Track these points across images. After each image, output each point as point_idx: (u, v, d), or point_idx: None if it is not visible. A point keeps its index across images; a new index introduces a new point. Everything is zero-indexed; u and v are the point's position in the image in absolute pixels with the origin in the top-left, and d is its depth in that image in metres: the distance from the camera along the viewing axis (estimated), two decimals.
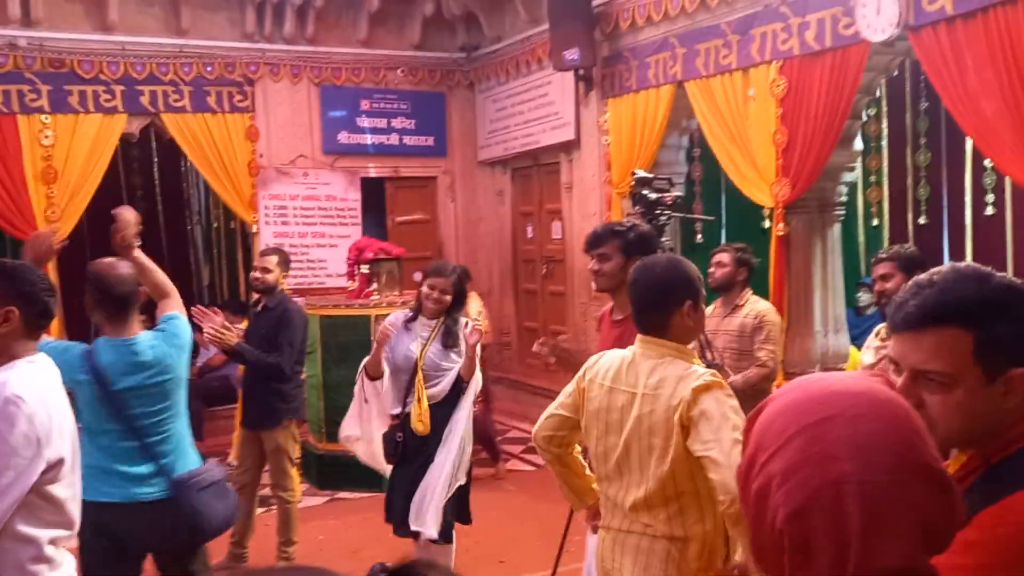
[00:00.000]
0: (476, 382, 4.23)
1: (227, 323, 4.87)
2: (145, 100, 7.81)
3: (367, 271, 6.85)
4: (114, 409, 3.04)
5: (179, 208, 10.39)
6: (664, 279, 2.47)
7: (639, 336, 2.53)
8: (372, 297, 6.69)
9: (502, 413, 8.61)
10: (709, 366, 4.39)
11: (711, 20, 6.14)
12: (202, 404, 7.40)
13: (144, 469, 3.08)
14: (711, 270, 4.60)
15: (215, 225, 10.22)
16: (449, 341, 4.18)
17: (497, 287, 9.52)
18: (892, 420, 0.94)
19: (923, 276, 1.33)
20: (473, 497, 4.33)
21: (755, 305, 4.51)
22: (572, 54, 7.01)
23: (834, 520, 0.88)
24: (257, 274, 5.07)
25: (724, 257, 4.54)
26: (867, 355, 3.65)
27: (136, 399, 3.06)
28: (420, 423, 4.05)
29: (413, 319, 4.23)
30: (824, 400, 0.96)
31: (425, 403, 4.07)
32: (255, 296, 5.31)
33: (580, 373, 2.62)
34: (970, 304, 1.25)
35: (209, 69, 8.06)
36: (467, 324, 4.19)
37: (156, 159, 9.98)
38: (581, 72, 7.35)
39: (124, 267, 3.22)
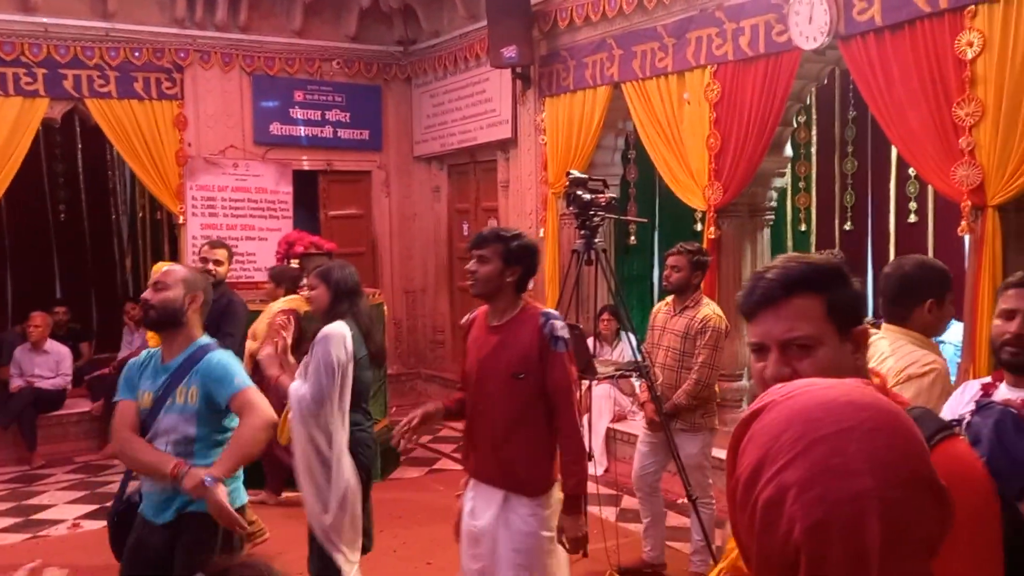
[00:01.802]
0: (297, 389, 3.75)
1: None
2: (68, 84, 7.53)
3: (297, 265, 6.72)
4: None
5: (103, 197, 10.08)
6: (912, 276, 2.72)
7: (884, 324, 2.74)
8: (302, 292, 6.55)
9: None
10: (637, 368, 4.47)
11: (648, 22, 6.18)
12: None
13: None
14: (666, 273, 4.62)
15: (140, 215, 9.94)
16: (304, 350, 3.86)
17: (432, 284, 9.45)
18: (905, 434, 0.95)
19: (759, 269, 1.52)
20: (400, 498, 4.29)
21: (703, 309, 4.53)
22: (510, 51, 6.98)
23: (854, 535, 0.87)
24: (211, 266, 4.97)
25: (679, 261, 4.55)
26: None
27: None
28: (282, 436, 3.89)
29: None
30: (838, 410, 0.94)
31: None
32: None
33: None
34: (812, 273, 1.45)
35: (137, 54, 7.81)
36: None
37: (80, 145, 9.66)
38: (519, 70, 7.34)
39: None
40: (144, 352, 3.14)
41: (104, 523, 3.38)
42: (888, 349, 2.67)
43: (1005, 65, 4.14)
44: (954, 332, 6.44)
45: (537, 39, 7.18)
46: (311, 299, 3.88)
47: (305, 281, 4.04)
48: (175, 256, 8.73)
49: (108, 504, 4.11)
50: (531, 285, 3.31)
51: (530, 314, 3.14)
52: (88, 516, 5.92)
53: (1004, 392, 2.33)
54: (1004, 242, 4.24)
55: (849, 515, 0.87)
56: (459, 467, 7.02)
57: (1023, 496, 2.08)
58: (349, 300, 3.81)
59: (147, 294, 2.95)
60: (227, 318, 4.86)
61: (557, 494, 3.19)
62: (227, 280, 7.16)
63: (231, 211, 8.32)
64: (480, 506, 3.21)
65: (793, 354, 1.42)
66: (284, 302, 5.59)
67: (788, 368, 1.41)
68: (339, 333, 3.68)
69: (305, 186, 8.84)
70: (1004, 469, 1.90)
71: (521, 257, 3.14)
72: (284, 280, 5.95)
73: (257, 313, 5.69)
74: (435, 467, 6.91)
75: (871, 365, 2.52)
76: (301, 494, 3.80)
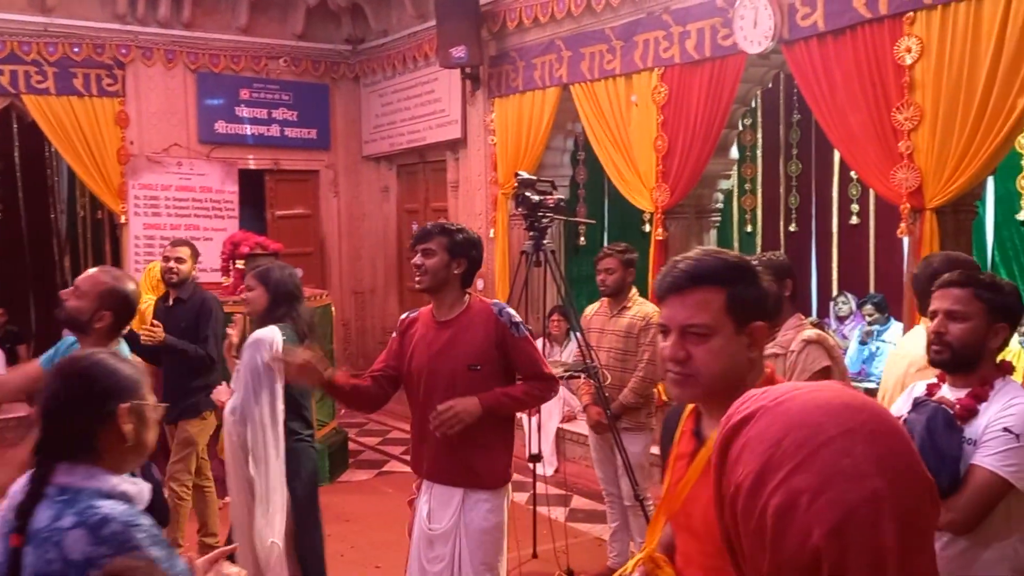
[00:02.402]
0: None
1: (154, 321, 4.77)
2: (4, 80, 7.32)
3: (243, 266, 6.61)
4: None
5: (42, 195, 9.79)
6: (941, 271, 2.73)
7: (923, 319, 2.79)
8: (246, 293, 6.46)
9: (384, 412, 8.47)
10: (586, 369, 4.48)
11: (596, 25, 6.21)
12: None
13: None
14: (600, 277, 4.62)
15: (81, 214, 9.69)
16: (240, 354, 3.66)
17: (381, 285, 9.38)
18: (900, 433, 0.96)
19: (677, 257, 1.64)
20: (348, 500, 4.23)
21: (642, 307, 4.56)
22: (459, 52, 6.96)
23: (871, 538, 0.88)
24: (171, 265, 4.88)
25: (612, 263, 4.56)
26: None
27: None
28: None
29: None
30: (836, 413, 0.93)
31: None
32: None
33: None
34: (720, 269, 1.59)
35: (76, 50, 7.62)
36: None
37: (16, 143, 9.38)
38: (468, 70, 7.32)
39: None
40: (63, 342, 3.05)
41: None
42: None
43: (942, 71, 4.25)
44: (894, 332, 6.59)
45: (486, 40, 7.17)
46: (248, 300, 3.75)
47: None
48: (117, 257, 8.54)
49: None
50: (480, 285, 3.31)
51: (481, 306, 3.16)
52: None
53: (946, 392, 2.38)
54: (941, 243, 4.34)
55: (866, 517, 0.88)
56: (408, 469, 6.98)
57: (952, 491, 2.13)
58: (288, 304, 3.69)
59: (65, 293, 2.86)
60: (204, 319, 4.79)
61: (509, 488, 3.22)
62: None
63: (175, 211, 8.16)
64: (437, 508, 3.18)
65: (690, 339, 1.57)
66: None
67: (683, 351, 1.57)
68: (268, 338, 3.53)
69: (251, 185, 8.71)
70: (933, 465, 1.95)
71: (466, 250, 3.15)
72: None
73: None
74: (384, 469, 6.86)
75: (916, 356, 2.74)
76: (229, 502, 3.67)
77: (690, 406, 1.70)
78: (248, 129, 8.59)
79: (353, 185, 9.34)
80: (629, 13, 5.96)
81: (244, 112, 8.55)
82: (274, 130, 8.74)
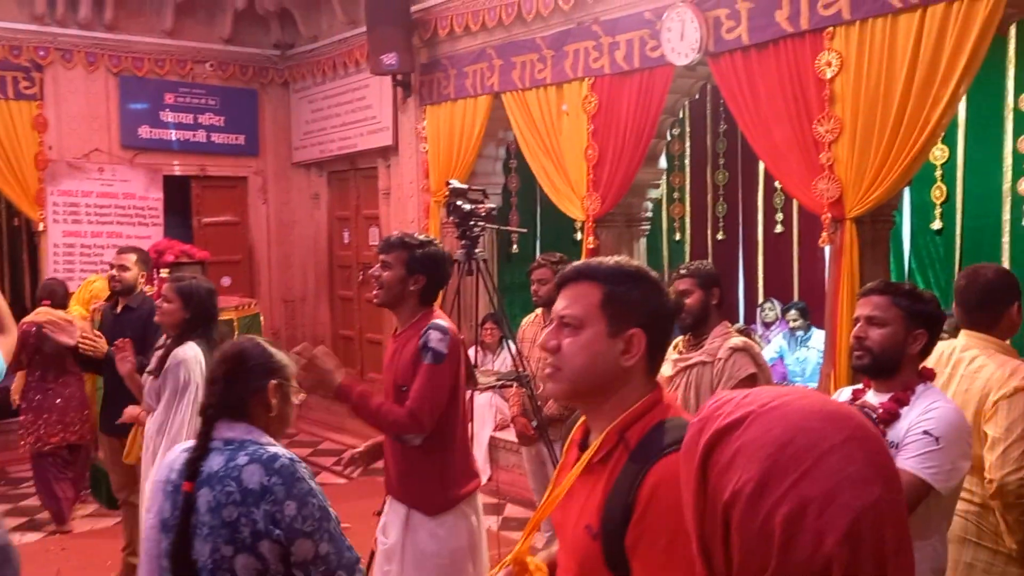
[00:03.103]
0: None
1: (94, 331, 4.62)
2: None
3: (167, 275, 6.45)
4: None
5: None
6: (996, 282, 2.89)
7: (964, 331, 2.89)
8: (163, 304, 6.30)
9: (316, 424, 8.36)
10: (518, 378, 4.48)
11: (527, 34, 6.24)
12: None
13: None
14: (534, 287, 4.64)
15: None
16: (156, 370, 3.67)
17: (312, 293, 9.25)
18: (882, 442, 0.98)
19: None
20: None
21: None
22: (390, 59, 6.92)
23: (876, 542, 0.90)
24: (114, 272, 4.76)
25: (545, 273, 4.58)
26: (666, 367, 3.79)
27: None
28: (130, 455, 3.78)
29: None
30: (832, 420, 0.94)
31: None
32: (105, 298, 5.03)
33: None
34: (603, 268, 1.60)
35: None
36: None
37: None
38: (399, 77, 7.28)
39: None
40: None
41: None
42: (981, 358, 2.81)
43: (861, 84, 4.38)
44: (817, 339, 6.77)
45: (417, 47, 7.14)
46: (164, 312, 3.69)
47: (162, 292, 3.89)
48: (34, 266, 8.25)
49: None
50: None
51: (423, 323, 3.05)
52: None
53: (870, 397, 2.46)
54: (861, 252, 4.48)
55: (872, 522, 0.89)
56: (340, 481, 6.89)
57: None
58: (206, 322, 3.67)
59: None
60: (151, 328, 4.55)
61: (463, 510, 3.10)
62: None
63: (96, 218, 7.91)
64: (390, 521, 3.16)
65: (564, 332, 1.58)
66: (34, 314, 5.64)
67: (555, 341, 1.58)
68: (193, 356, 3.55)
69: (177, 192, 8.50)
70: None
71: (426, 266, 3.05)
72: (53, 294, 5.85)
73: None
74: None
75: (961, 371, 2.82)
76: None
77: (582, 418, 1.69)
78: (173, 134, 8.39)
79: (283, 192, 9.19)
80: (559, 23, 6.01)
81: (169, 117, 8.35)
82: (200, 135, 8.55)
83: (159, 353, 3.73)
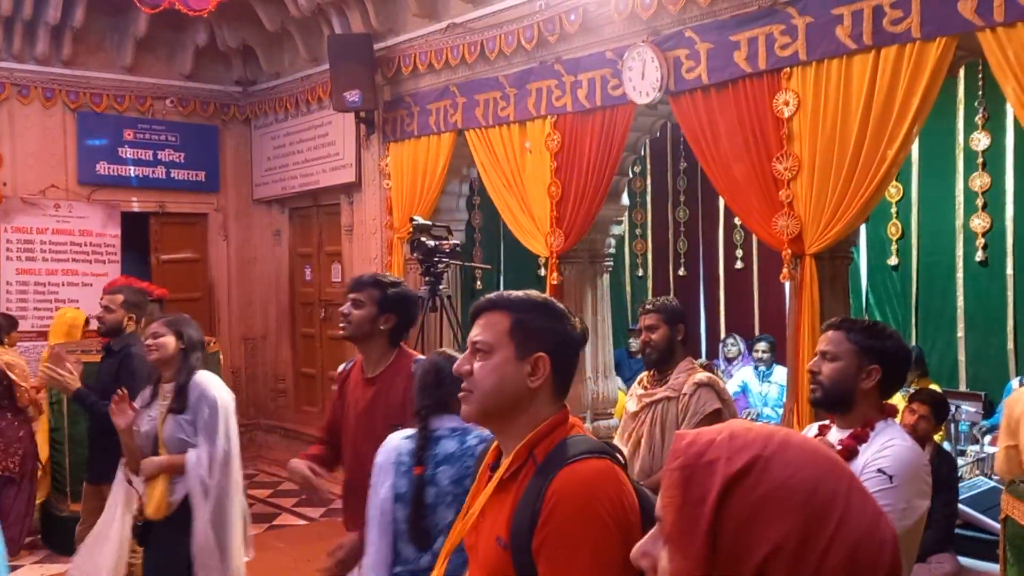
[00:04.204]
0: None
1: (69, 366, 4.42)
2: None
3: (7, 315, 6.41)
4: None
5: None
6: None
7: None
8: (153, 340, 6.18)
9: (275, 464, 8.21)
10: None
11: (490, 72, 6.30)
12: None
13: None
14: None
15: None
16: (178, 405, 3.58)
17: (273, 331, 9.13)
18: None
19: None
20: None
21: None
22: (353, 96, 6.93)
23: (899, 567, 0.92)
24: (99, 313, 4.57)
25: None
26: (631, 403, 3.79)
27: None
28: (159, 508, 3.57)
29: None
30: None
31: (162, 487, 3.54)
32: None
33: None
34: (512, 298, 1.76)
35: None
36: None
37: None
38: (362, 114, 7.28)
39: None
40: None
41: None
42: None
43: (818, 123, 4.47)
44: (779, 374, 6.82)
45: (380, 84, 7.16)
46: (157, 347, 3.60)
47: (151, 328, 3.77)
48: None
49: None
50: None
51: (405, 362, 3.07)
52: None
53: (834, 433, 2.46)
54: (821, 288, 4.54)
55: (897, 552, 0.92)
56: (301, 522, 6.77)
57: None
58: (197, 352, 3.66)
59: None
60: (124, 375, 4.35)
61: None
62: (45, 329, 6.76)
63: (51, 255, 7.77)
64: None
65: (476, 356, 1.72)
66: None
67: (468, 366, 1.72)
68: (217, 381, 3.59)
69: (135, 229, 8.39)
70: None
71: (397, 305, 3.08)
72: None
73: None
74: (275, 523, 6.62)
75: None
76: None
77: (495, 443, 1.80)
78: (132, 171, 8.29)
79: (244, 228, 9.11)
80: (522, 62, 6.07)
81: (128, 153, 8.26)
82: (160, 172, 8.46)
83: (165, 387, 3.63)
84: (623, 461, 1.70)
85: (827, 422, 2.53)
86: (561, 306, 1.78)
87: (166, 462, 3.53)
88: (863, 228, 6.68)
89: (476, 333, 1.74)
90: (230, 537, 3.60)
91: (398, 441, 2.57)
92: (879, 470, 2.24)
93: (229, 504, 3.60)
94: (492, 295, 1.81)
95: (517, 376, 1.68)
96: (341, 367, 3.36)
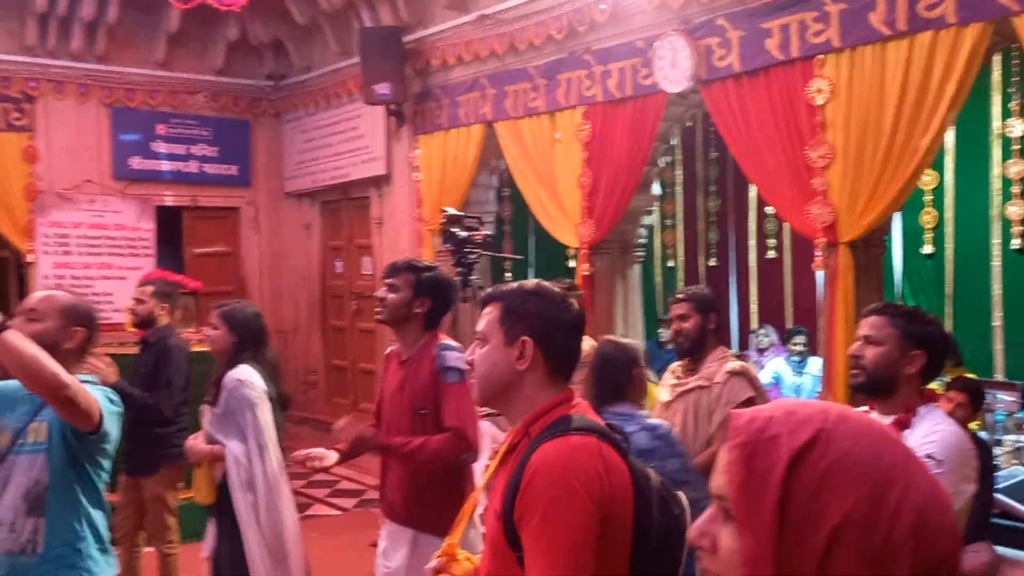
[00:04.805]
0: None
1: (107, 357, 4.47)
2: None
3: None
4: None
5: None
6: None
7: None
8: (209, 332, 6.24)
9: None
10: None
11: (519, 63, 6.29)
12: None
13: None
14: None
15: None
16: (212, 398, 3.61)
17: (304, 324, 9.21)
18: None
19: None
20: None
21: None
22: (383, 89, 6.96)
23: (956, 537, 0.93)
24: (130, 304, 4.66)
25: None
26: (663, 392, 3.78)
27: None
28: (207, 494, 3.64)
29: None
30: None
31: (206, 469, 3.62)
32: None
33: None
34: (505, 289, 1.87)
35: None
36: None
37: None
38: (392, 107, 7.31)
39: None
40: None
41: None
42: None
43: (851, 111, 4.43)
44: (813, 366, 6.77)
45: (410, 77, 7.19)
46: (211, 339, 3.66)
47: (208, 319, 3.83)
48: (23, 297, 8.18)
49: None
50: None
51: (429, 349, 3.11)
52: None
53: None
54: (855, 277, 4.50)
55: (956, 522, 0.92)
56: (335, 512, 6.83)
57: None
58: (254, 345, 3.64)
59: (17, 324, 2.65)
60: (161, 366, 4.43)
61: (470, 532, 3.14)
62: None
63: (87, 249, 7.89)
64: (391, 546, 3.15)
65: (478, 345, 1.85)
66: None
67: (471, 356, 1.86)
68: (248, 376, 3.54)
69: (169, 223, 8.49)
70: None
71: (432, 289, 3.12)
72: None
73: (202, 356, 5.11)
74: (307, 513, 6.69)
75: None
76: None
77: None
78: (165, 165, 8.39)
79: (275, 222, 9.19)
80: (551, 53, 6.06)
81: (161, 148, 8.36)
82: (192, 166, 8.56)
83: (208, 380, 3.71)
84: (619, 441, 1.76)
85: (866, 408, 2.52)
86: (555, 291, 1.85)
87: (207, 451, 3.59)
88: (896, 216, 6.60)
89: (478, 325, 1.87)
90: (283, 530, 3.61)
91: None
92: (928, 455, 2.23)
93: (277, 497, 3.59)
94: (491, 288, 1.93)
95: (505, 361, 1.79)
96: (389, 349, 3.40)
